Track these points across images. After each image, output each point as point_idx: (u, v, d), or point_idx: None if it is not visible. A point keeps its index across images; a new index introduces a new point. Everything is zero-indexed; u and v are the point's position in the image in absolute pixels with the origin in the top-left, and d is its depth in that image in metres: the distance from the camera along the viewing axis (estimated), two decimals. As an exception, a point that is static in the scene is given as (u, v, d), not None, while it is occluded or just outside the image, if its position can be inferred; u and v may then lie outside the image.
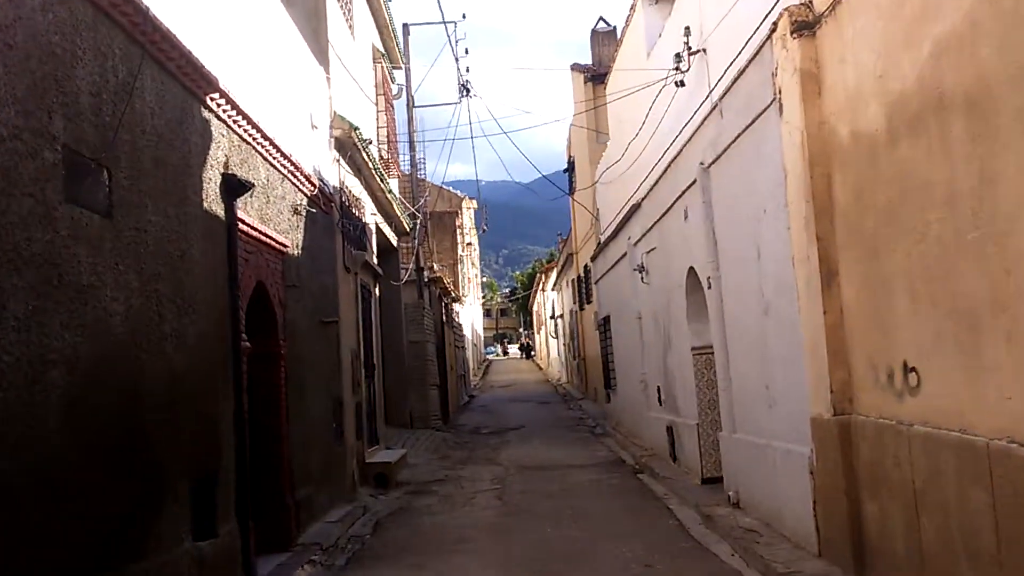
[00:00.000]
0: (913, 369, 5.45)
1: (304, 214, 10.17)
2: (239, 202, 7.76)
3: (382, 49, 17.68)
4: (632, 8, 14.39)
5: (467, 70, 18.04)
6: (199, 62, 6.66)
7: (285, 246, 9.23)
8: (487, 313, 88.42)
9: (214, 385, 7.04)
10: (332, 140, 12.03)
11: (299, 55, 10.67)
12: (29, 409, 4.42)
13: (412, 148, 21.14)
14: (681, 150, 10.56)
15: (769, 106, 7.38)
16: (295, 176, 9.73)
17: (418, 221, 19.47)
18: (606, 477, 12.70)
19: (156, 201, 6.09)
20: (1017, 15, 4.20)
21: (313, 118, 10.93)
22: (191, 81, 6.71)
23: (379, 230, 16.37)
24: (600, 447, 16.58)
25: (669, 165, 11.31)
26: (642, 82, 12.18)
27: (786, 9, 6.77)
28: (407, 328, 19.92)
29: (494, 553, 8.45)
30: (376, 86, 16.91)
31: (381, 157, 17.00)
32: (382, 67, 17.47)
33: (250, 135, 8.15)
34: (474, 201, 46.10)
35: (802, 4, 6.71)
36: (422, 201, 20.29)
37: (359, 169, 13.73)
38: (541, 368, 54.98)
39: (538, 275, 58.29)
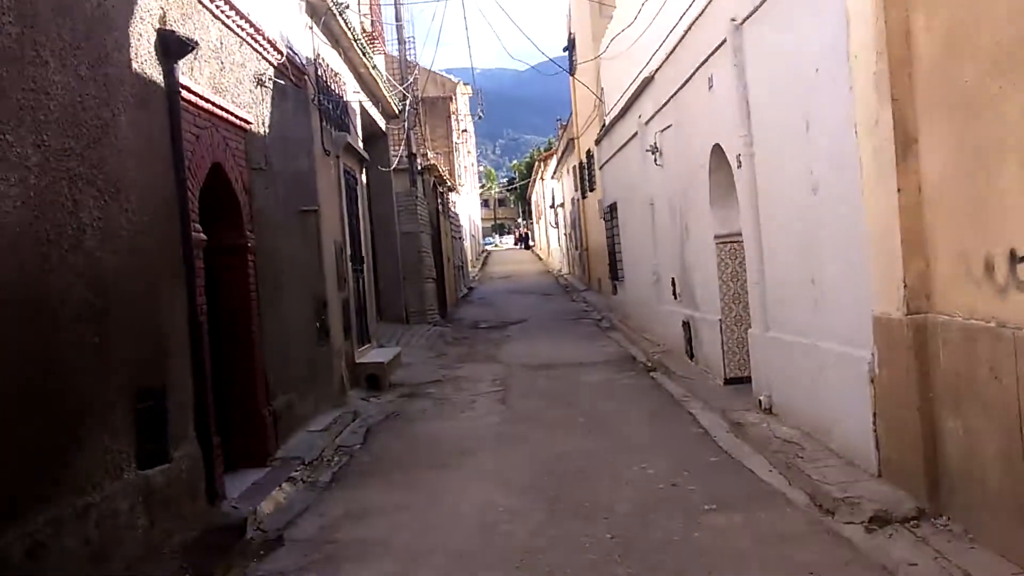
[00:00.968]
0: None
1: (271, 87, 8.81)
2: (182, 65, 6.43)
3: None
4: None
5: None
6: None
7: (247, 122, 7.93)
8: (485, 203, 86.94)
9: (158, 285, 5.87)
10: (303, 3, 10.54)
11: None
12: None
13: (398, 18, 19.42)
14: (706, 7, 9.11)
15: (828, -65, 5.98)
16: (256, 41, 8.33)
17: (408, 101, 17.95)
18: (618, 376, 11.71)
19: (61, 58, 4.79)
20: None
21: (279, -26, 9.45)
22: (104, -97, 5.30)
23: (364, 112, 14.94)
24: (608, 342, 15.59)
25: (690, 27, 9.87)
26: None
27: None
28: (400, 218, 18.69)
29: (497, 469, 7.47)
30: (357, -52, 15.19)
31: (364, 30, 15.42)
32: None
33: (194, -16, 6.76)
34: (469, 87, 44.12)
35: None
36: (411, 79, 18.70)
37: (337, 40, 12.23)
38: (541, 259, 53.97)
39: (537, 163, 56.61)
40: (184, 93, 6.42)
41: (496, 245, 78.36)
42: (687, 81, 10.35)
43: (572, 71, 25.09)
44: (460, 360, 14.14)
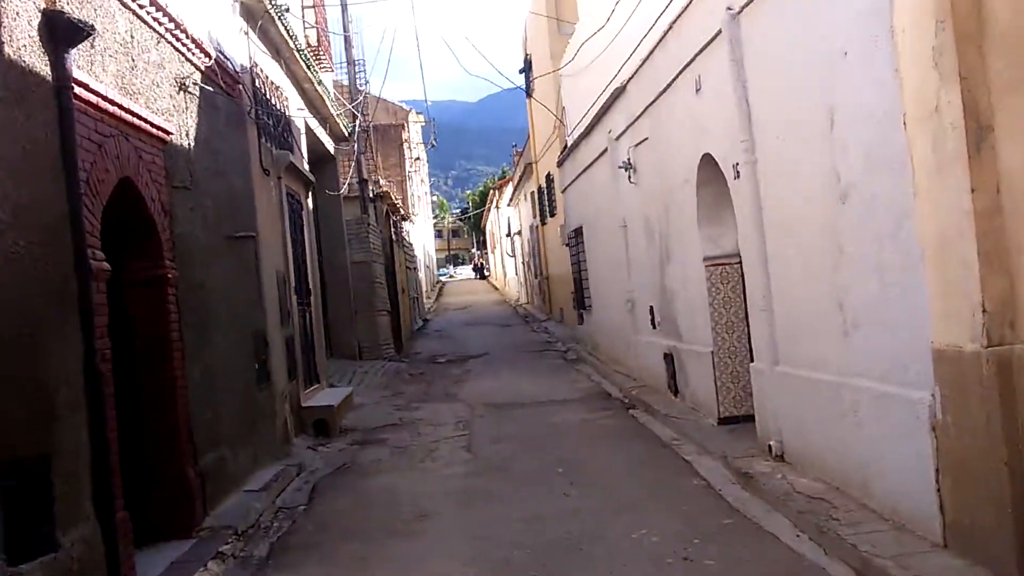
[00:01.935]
0: None
1: (197, 94, 7.61)
2: (77, 57, 5.23)
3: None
4: None
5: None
6: None
7: (167, 132, 6.71)
8: (439, 234, 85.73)
9: (41, 328, 4.62)
10: (237, 5, 9.36)
11: None
12: None
13: (347, 42, 18.30)
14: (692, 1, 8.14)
15: None
16: (178, 39, 7.14)
17: (358, 121, 16.77)
18: (594, 416, 10.55)
19: None
20: None
21: (207, -33, 8.28)
22: None
23: (310, 131, 13.75)
24: (578, 376, 14.46)
25: (672, 24, 8.89)
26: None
27: None
28: (351, 247, 17.43)
29: (464, 536, 6.26)
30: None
31: (309, 44, 14.26)
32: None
33: (93, -41, 5.57)
34: (421, 116, 43.10)
35: None
36: (361, 97, 17.53)
37: (277, 50, 11.05)
38: (497, 289, 52.80)
39: (491, 192, 55.60)
40: (80, 91, 5.21)
41: (451, 276, 77.07)
42: (668, 87, 9.35)
43: (529, 92, 24.16)
44: (418, 399, 12.89)
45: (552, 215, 24.44)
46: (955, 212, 4.35)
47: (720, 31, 7.40)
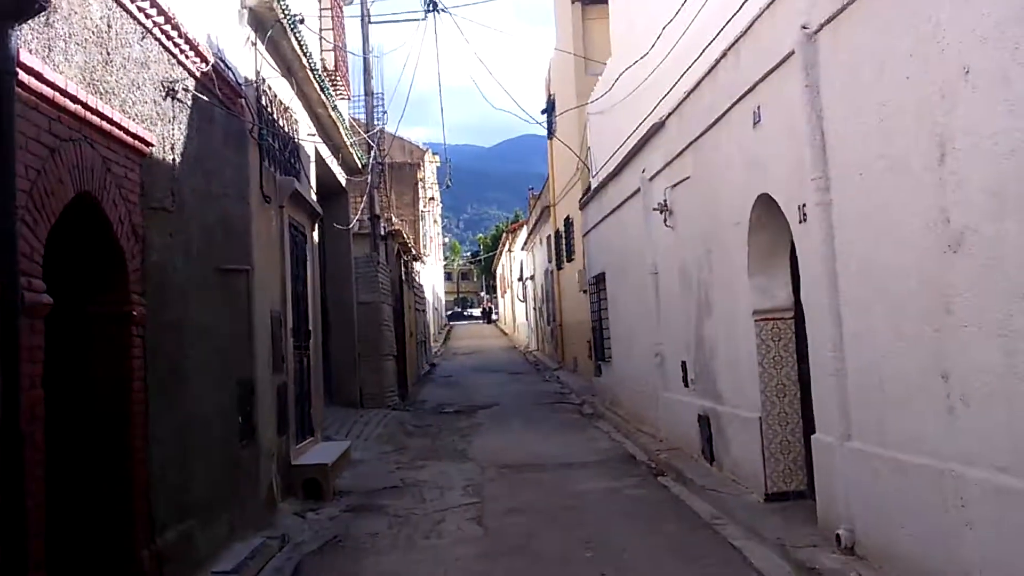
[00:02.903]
0: None
1: (189, 102, 6.66)
2: (28, 38, 4.28)
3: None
4: None
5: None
6: None
7: (147, 143, 5.74)
8: (448, 276, 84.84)
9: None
10: (245, 12, 8.47)
11: None
12: None
13: (367, 71, 17.50)
14: (756, 20, 7.19)
15: None
16: (168, 36, 6.21)
17: (373, 152, 15.86)
18: (620, 484, 9.40)
19: None
20: None
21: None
22: None
23: (321, 160, 12.82)
24: (597, 434, 13.30)
25: (725, 53, 7.95)
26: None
27: None
28: (358, 286, 16.42)
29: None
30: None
31: (325, 68, 13.41)
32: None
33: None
34: (437, 156, 42.47)
35: None
36: (377, 128, 16.65)
37: (289, 68, 10.15)
38: (506, 334, 51.72)
39: (504, 235, 54.77)
40: (29, 79, 4.24)
41: (460, 319, 76.06)
42: (717, 120, 8.38)
43: (551, 133, 23.33)
44: (423, 456, 11.75)
45: (570, 260, 23.46)
46: None
47: (791, 53, 6.43)
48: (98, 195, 5.09)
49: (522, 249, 42.06)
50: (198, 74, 6.82)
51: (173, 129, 6.33)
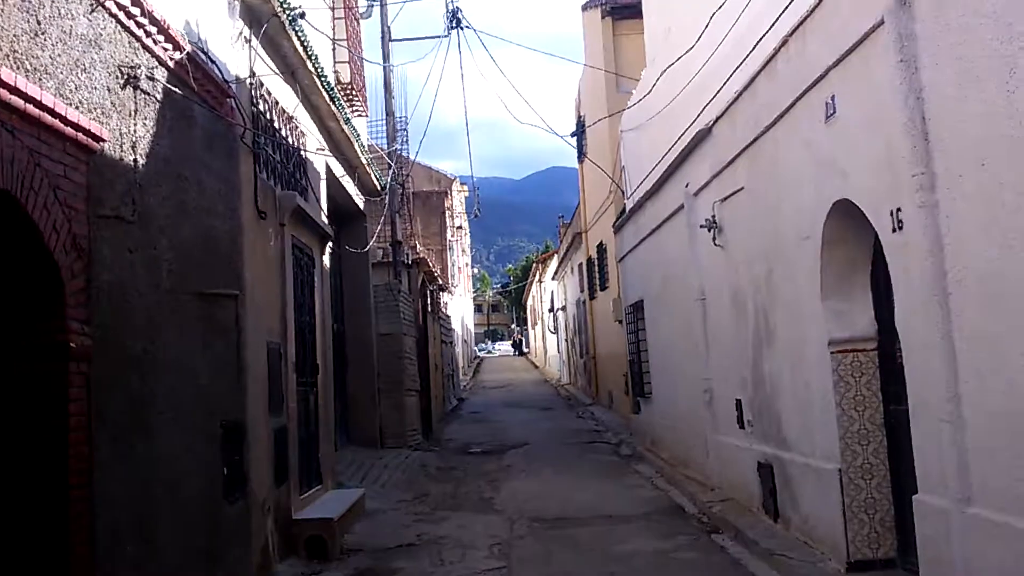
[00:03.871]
0: None
1: (158, 95, 5.63)
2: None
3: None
4: None
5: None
6: None
7: (96, 138, 4.70)
8: (478, 308, 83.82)
9: None
10: (237, 4, 7.48)
11: None
12: None
13: (387, 88, 16.54)
14: (828, -6, 6.06)
15: None
16: (128, 13, 5.19)
17: (391, 171, 14.84)
18: (671, 545, 8.09)
19: None
20: None
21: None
22: None
23: (334, 179, 11.80)
24: (639, 480, 12.01)
25: (788, 37, 6.82)
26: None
27: None
28: (378, 317, 15.34)
29: None
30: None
31: (339, 81, 12.45)
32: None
33: None
34: (465, 186, 41.60)
35: None
36: (397, 146, 15.66)
37: (293, 72, 9.14)
38: (537, 367, 50.42)
39: (535, 265, 53.65)
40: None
41: (489, 352, 74.89)
42: (778, 118, 7.23)
43: (582, 155, 22.27)
44: (446, 505, 10.54)
45: (603, 288, 22.26)
46: None
47: (878, 24, 5.27)
48: (21, 195, 4.04)
49: (552, 279, 40.93)
50: (170, 63, 5.79)
51: (135, 124, 5.29)
